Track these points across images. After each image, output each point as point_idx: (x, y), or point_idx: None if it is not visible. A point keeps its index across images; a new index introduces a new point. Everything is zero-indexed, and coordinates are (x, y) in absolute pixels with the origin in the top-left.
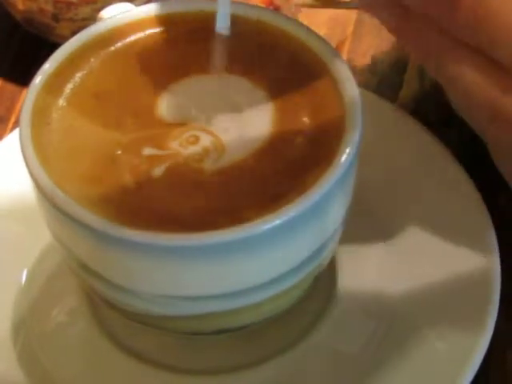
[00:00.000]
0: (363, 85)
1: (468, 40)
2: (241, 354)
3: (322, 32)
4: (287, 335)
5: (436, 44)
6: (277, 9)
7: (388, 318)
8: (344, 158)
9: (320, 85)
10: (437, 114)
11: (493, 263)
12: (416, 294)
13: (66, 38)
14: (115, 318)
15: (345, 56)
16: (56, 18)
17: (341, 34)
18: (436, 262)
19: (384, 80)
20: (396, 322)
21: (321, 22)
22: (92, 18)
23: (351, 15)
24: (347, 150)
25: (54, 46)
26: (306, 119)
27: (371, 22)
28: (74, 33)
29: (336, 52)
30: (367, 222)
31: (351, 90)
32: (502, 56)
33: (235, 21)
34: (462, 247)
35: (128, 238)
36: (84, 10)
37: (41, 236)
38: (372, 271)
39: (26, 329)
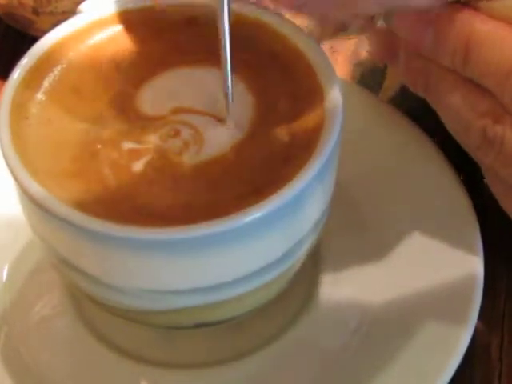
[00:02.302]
0: (346, 76)
1: (457, 70)
2: (222, 348)
3: (306, 23)
4: (269, 329)
5: (425, 71)
6: (258, 1)
7: (371, 311)
8: (324, 149)
9: (299, 77)
10: (420, 105)
11: (476, 249)
12: (398, 285)
13: (46, 32)
14: (97, 312)
15: (328, 47)
16: (36, 11)
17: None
18: (420, 259)
19: (367, 71)
20: (379, 316)
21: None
22: (72, 11)
23: None
24: (327, 142)
25: (35, 40)
26: (285, 112)
27: None
28: (54, 26)
29: (315, 43)
30: (350, 215)
31: (331, 81)
32: (491, 86)
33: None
34: (445, 243)
35: (108, 232)
36: (64, 3)
37: (22, 231)
38: (355, 264)
39: (7, 325)
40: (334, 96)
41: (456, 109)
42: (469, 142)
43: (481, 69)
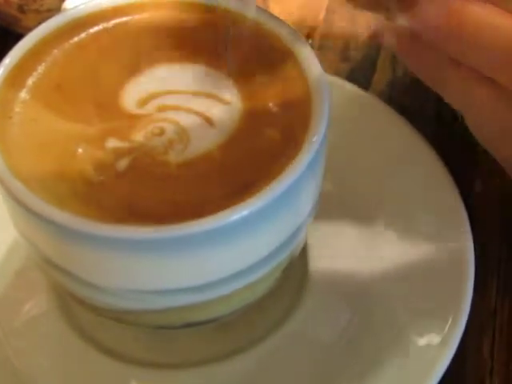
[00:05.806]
0: (335, 71)
1: (474, 66)
2: (212, 347)
3: (293, 18)
4: (260, 326)
5: (445, 71)
6: None
7: (362, 304)
8: (311, 145)
9: (286, 72)
10: (410, 100)
11: (466, 246)
12: (390, 279)
13: (32, 30)
14: (85, 313)
15: (317, 42)
16: (22, 9)
17: (312, 21)
18: (409, 246)
19: (356, 66)
20: (371, 308)
21: (292, 8)
22: (58, 9)
23: (323, 1)
24: (314, 138)
25: (20, 38)
26: (272, 107)
27: (343, 8)
28: (40, 24)
29: (301, 37)
30: (338, 208)
31: (318, 78)
32: (504, 82)
33: (201, 10)
34: (434, 229)
35: (92, 231)
36: (49, 1)
37: (7, 231)
38: (344, 257)
39: None
40: (321, 90)
41: (478, 106)
42: (492, 138)
43: (492, 66)
